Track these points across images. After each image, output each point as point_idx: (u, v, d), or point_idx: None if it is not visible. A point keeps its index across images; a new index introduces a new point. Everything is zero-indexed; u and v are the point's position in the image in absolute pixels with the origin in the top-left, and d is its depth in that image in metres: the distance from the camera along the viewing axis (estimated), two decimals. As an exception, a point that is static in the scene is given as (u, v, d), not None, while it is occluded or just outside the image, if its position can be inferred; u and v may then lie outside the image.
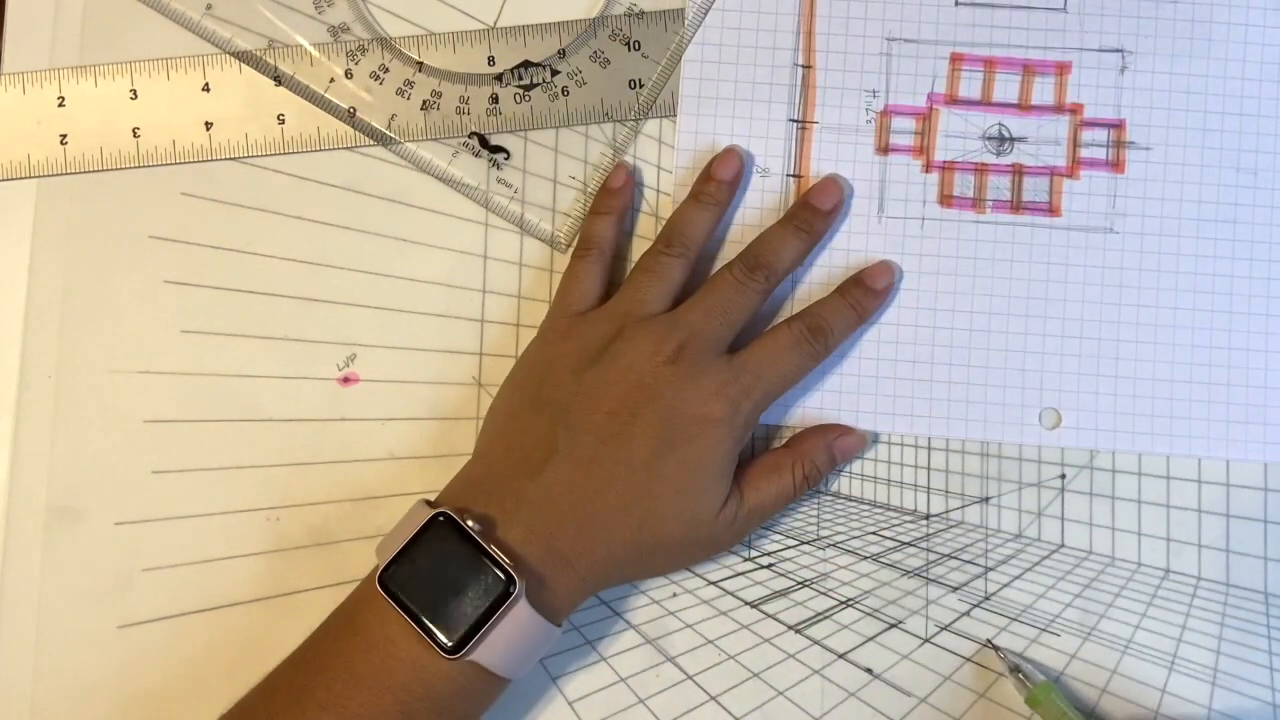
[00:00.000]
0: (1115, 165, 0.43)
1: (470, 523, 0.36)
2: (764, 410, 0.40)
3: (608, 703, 0.42)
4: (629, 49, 0.44)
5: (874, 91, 0.43)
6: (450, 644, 0.35)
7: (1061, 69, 0.43)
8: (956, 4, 0.43)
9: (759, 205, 0.44)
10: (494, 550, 0.36)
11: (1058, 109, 0.43)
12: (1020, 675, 0.40)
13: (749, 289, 0.41)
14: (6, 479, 0.43)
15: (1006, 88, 0.43)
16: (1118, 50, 0.43)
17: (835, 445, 0.42)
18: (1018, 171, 0.42)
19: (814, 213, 0.42)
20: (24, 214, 0.45)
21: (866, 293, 0.42)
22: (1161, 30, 0.43)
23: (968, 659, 0.42)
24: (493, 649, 0.35)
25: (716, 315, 0.40)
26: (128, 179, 0.45)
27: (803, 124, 0.43)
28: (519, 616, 0.36)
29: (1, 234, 0.44)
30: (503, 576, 0.35)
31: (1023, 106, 0.43)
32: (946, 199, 0.43)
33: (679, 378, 0.38)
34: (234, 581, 0.43)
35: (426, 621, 0.35)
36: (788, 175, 0.44)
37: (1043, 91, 0.43)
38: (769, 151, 0.44)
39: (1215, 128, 0.43)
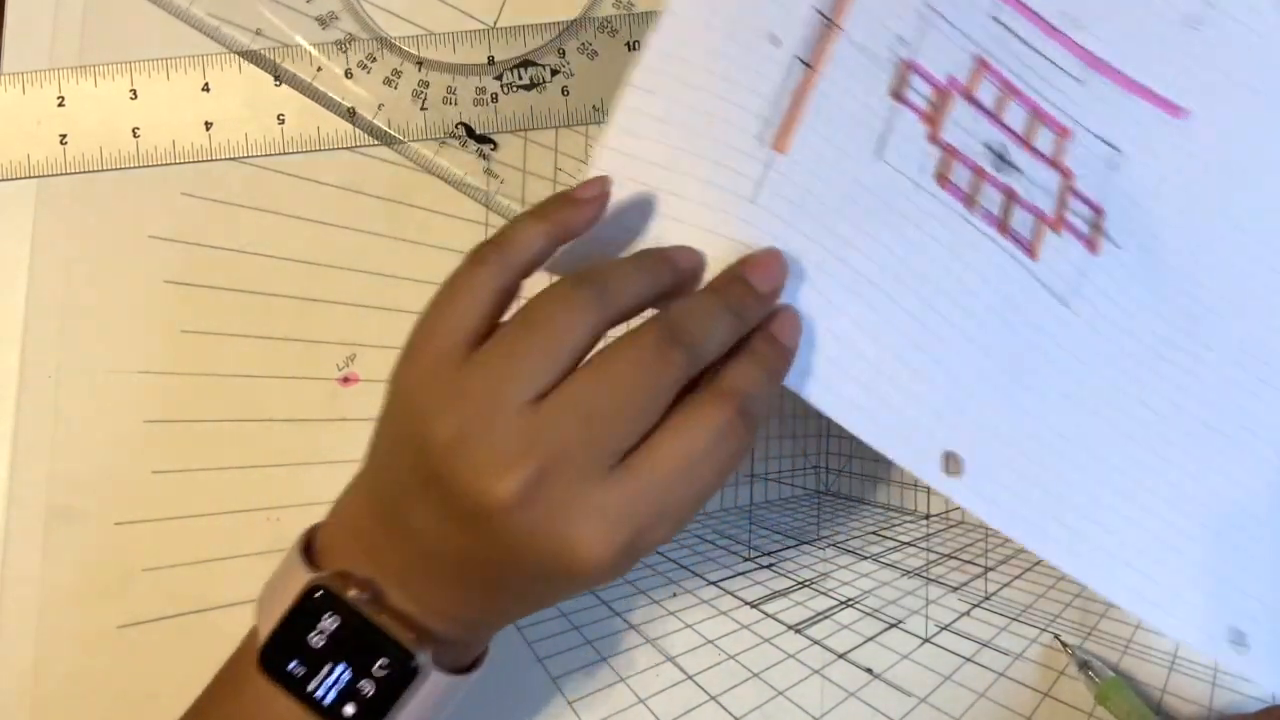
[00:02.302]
0: (1091, 245, 0.40)
1: (354, 592, 0.31)
2: (670, 535, 0.31)
3: (608, 703, 0.42)
4: (628, 49, 0.45)
5: (902, 39, 0.39)
6: None
7: (1062, 132, 0.41)
8: (994, 19, 0.41)
9: (752, 83, 0.36)
10: (386, 625, 0.31)
11: (1053, 163, 0.41)
12: (1089, 672, 0.40)
13: (662, 374, 0.30)
14: (6, 479, 0.43)
15: (1016, 116, 0.40)
16: (1114, 148, 0.42)
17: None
18: (1010, 195, 0.40)
19: (750, 293, 0.32)
20: (24, 214, 0.45)
21: (782, 354, 0.33)
22: (1158, 145, 0.41)
23: (968, 659, 0.42)
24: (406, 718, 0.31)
25: (610, 414, 0.29)
26: (128, 179, 0.45)
27: (830, 21, 0.38)
28: (431, 688, 0.31)
29: (1, 234, 0.45)
30: (398, 653, 0.31)
31: (1026, 142, 0.41)
32: (943, 179, 0.39)
33: (538, 521, 0.29)
34: (234, 581, 0.43)
35: (324, 709, 0.31)
36: (797, 58, 0.37)
37: (1044, 140, 0.40)
38: (788, 17, 0.37)
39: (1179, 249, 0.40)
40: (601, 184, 0.33)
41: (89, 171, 0.45)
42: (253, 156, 0.45)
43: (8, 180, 0.45)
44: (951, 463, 0.35)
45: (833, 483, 0.44)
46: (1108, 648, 0.42)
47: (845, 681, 0.42)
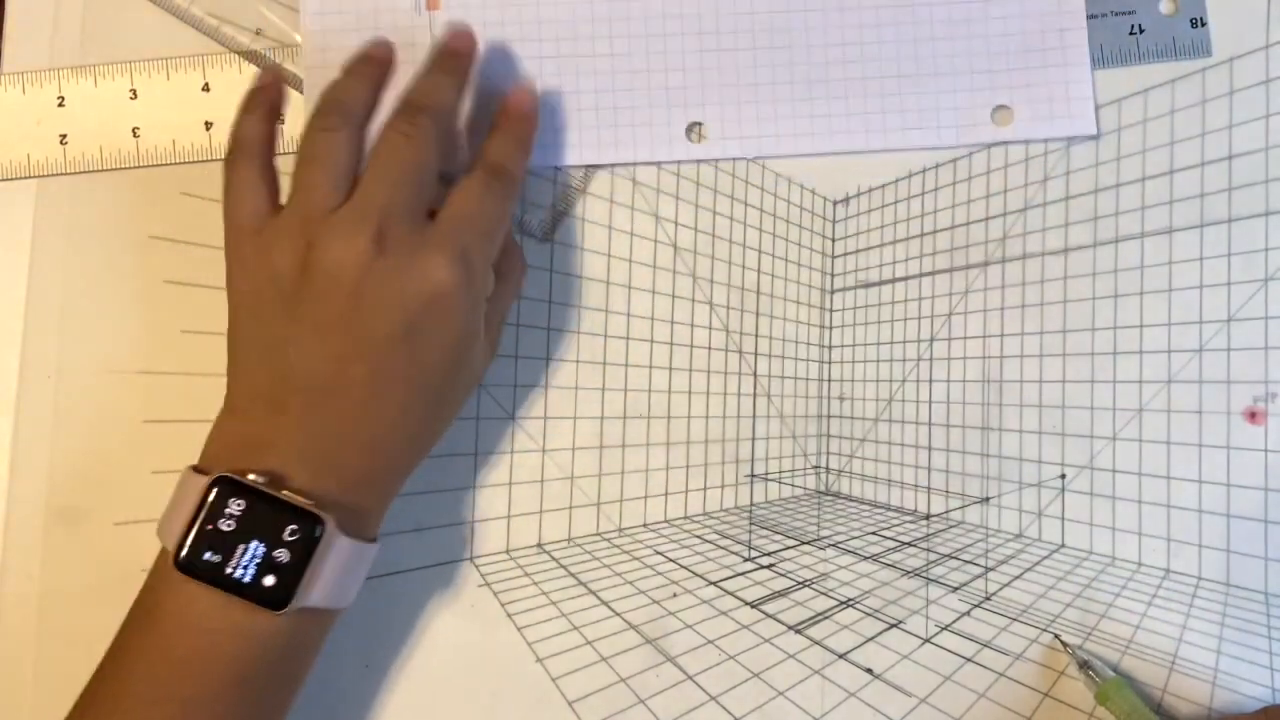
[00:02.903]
0: None
1: (253, 476, 0.35)
2: (492, 258, 0.38)
3: (608, 703, 0.42)
4: None
5: None
6: (275, 599, 0.34)
7: None
8: None
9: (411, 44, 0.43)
10: (289, 496, 0.34)
11: None
12: (1090, 672, 0.40)
13: (420, 139, 0.37)
14: (6, 479, 0.43)
15: None
16: None
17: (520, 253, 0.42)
18: None
19: (455, 55, 0.40)
20: (24, 214, 0.45)
21: (522, 121, 0.41)
22: None
23: (968, 659, 0.42)
24: (319, 589, 0.35)
25: (401, 181, 0.37)
26: (128, 179, 0.45)
27: None
28: (337, 551, 0.35)
29: (1, 234, 0.45)
30: (308, 519, 0.34)
31: None
32: None
33: (396, 266, 0.36)
34: (234, 581, 0.43)
35: (245, 587, 0.34)
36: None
37: None
38: None
39: None
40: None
41: (89, 171, 0.45)
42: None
43: (7, 180, 0.45)
44: (694, 132, 0.44)
45: (833, 483, 0.44)
46: (1108, 648, 0.42)
47: (845, 681, 0.42)
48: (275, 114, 0.39)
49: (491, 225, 0.38)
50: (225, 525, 0.34)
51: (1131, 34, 0.44)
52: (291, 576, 0.34)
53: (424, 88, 0.39)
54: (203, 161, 0.45)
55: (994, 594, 0.42)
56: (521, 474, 0.43)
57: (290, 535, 0.34)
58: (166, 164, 0.45)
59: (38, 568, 0.43)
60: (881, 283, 0.45)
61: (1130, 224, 0.44)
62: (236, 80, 0.45)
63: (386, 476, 0.38)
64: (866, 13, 0.44)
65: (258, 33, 0.45)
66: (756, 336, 0.44)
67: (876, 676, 0.42)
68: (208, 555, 0.34)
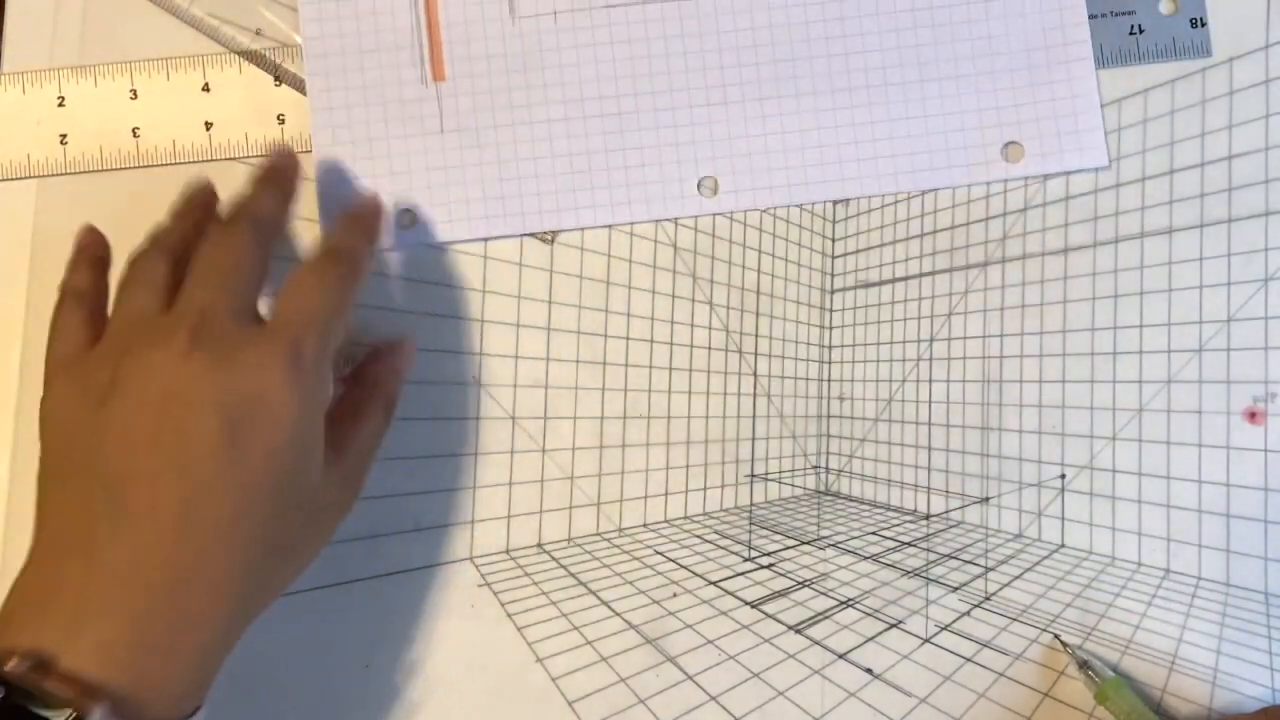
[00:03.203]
0: None
1: (14, 662, 0.29)
2: (330, 354, 0.35)
3: (608, 703, 0.42)
4: None
5: None
6: None
7: None
8: None
9: (396, 39, 0.44)
10: (49, 688, 0.29)
11: None
12: (1089, 672, 0.40)
13: (238, 242, 0.35)
14: (7, 479, 0.43)
15: None
16: None
17: (398, 367, 0.40)
18: None
19: (275, 169, 0.39)
20: (24, 214, 0.45)
21: (366, 210, 0.41)
22: None
23: (968, 659, 0.42)
24: None
25: (219, 284, 0.34)
26: (128, 179, 0.45)
27: None
28: None
29: (1, 234, 0.45)
30: (74, 713, 0.29)
31: None
32: None
33: (211, 365, 0.32)
34: (234, 581, 0.43)
35: None
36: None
37: None
38: None
39: None
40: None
41: (89, 171, 0.45)
42: (253, 156, 0.45)
43: (7, 180, 0.45)
44: (707, 186, 0.44)
45: (833, 483, 0.44)
46: (1108, 648, 0.42)
47: (845, 681, 0.42)
48: (102, 264, 0.38)
49: (329, 315, 0.35)
50: None
51: (1131, 34, 0.44)
52: None
53: (239, 200, 0.38)
54: (203, 161, 0.45)
55: (994, 594, 0.42)
56: (521, 474, 0.43)
57: None
58: (167, 164, 0.45)
59: (38, 568, 0.43)
60: (881, 283, 0.45)
61: (1130, 224, 0.44)
62: (236, 80, 0.45)
63: (198, 631, 0.32)
64: (873, 56, 0.44)
65: (258, 32, 0.45)
66: (756, 336, 0.44)
67: (876, 676, 0.42)
68: None
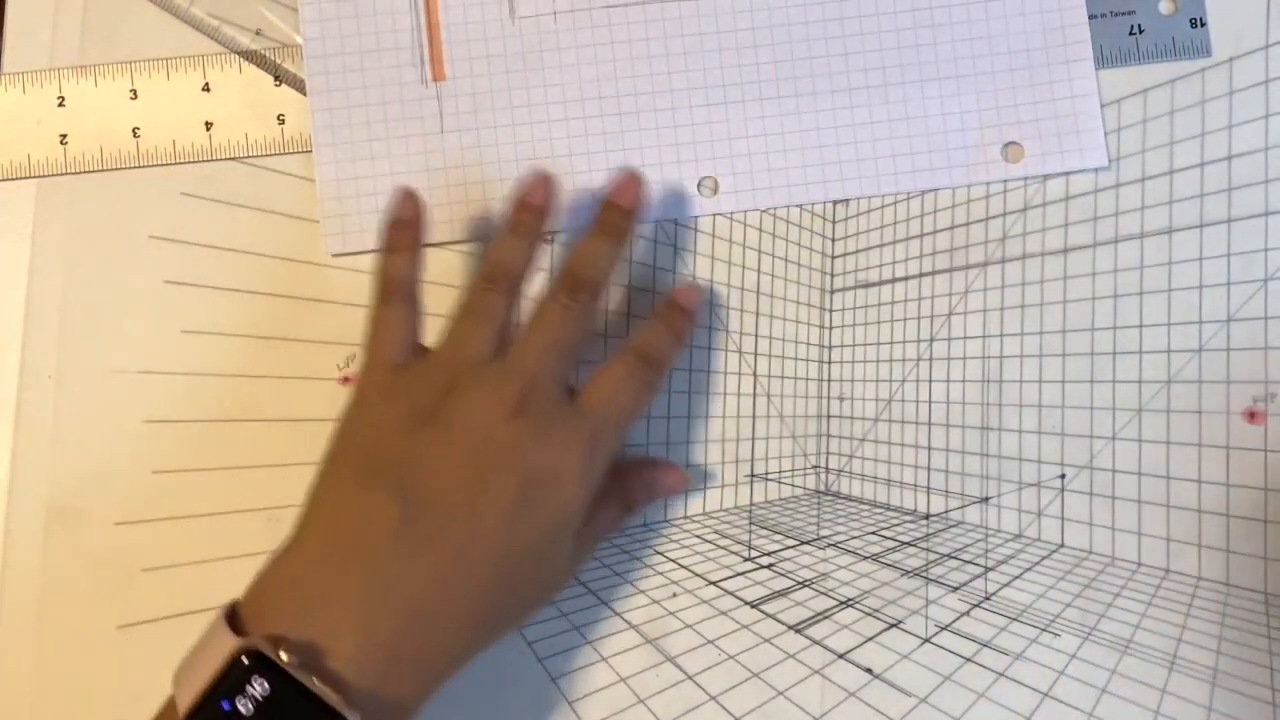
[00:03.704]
0: None
1: (286, 655, 0.31)
2: (618, 450, 0.37)
3: (608, 703, 0.42)
4: None
5: None
6: None
7: None
8: None
9: (395, 39, 0.44)
10: (320, 690, 0.31)
11: None
12: None
13: (578, 313, 0.38)
14: (6, 479, 0.43)
15: None
16: None
17: (657, 485, 0.42)
18: None
19: (619, 212, 0.40)
20: (24, 214, 0.45)
21: (681, 314, 0.41)
22: None
23: (968, 659, 0.42)
24: None
25: (553, 352, 0.37)
26: (128, 179, 0.45)
27: None
28: None
29: (1, 234, 0.45)
30: (333, 716, 0.30)
31: None
32: None
33: (528, 432, 0.35)
34: (234, 581, 0.42)
35: None
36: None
37: None
38: None
39: None
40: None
41: (89, 171, 0.45)
42: (253, 156, 0.45)
43: (7, 180, 0.45)
44: (707, 186, 0.44)
45: (833, 483, 0.44)
46: (1108, 648, 0.42)
47: (845, 681, 0.42)
48: (419, 252, 0.40)
49: (627, 416, 0.38)
50: (243, 706, 0.30)
51: (1131, 34, 0.44)
52: None
53: (588, 257, 0.39)
54: (203, 161, 0.45)
55: (994, 594, 0.42)
56: (521, 474, 0.43)
57: None
58: (167, 164, 0.45)
59: (38, 568, 0.43)
60: (881, 283, 0.45)
61: (1130, 224, 0.44)
62: (236, 80, 0.45)
63: (436, 661, 0.34)
64: (872, 56, 0.44)
65: (258, 33, 0.45)
66: (756, 336, 0.44)
67: (876, 676, 0.42)
68: None
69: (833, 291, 0.45)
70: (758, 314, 0.44)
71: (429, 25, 0.44)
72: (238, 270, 0.44)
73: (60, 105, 0.45)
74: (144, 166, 0.45)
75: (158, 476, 0.43)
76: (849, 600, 0.43)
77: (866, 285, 0.45)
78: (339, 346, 0.44)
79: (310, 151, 0.44)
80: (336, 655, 0.32)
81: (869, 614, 0.42)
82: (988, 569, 0.43)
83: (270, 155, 0.45)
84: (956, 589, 0.42)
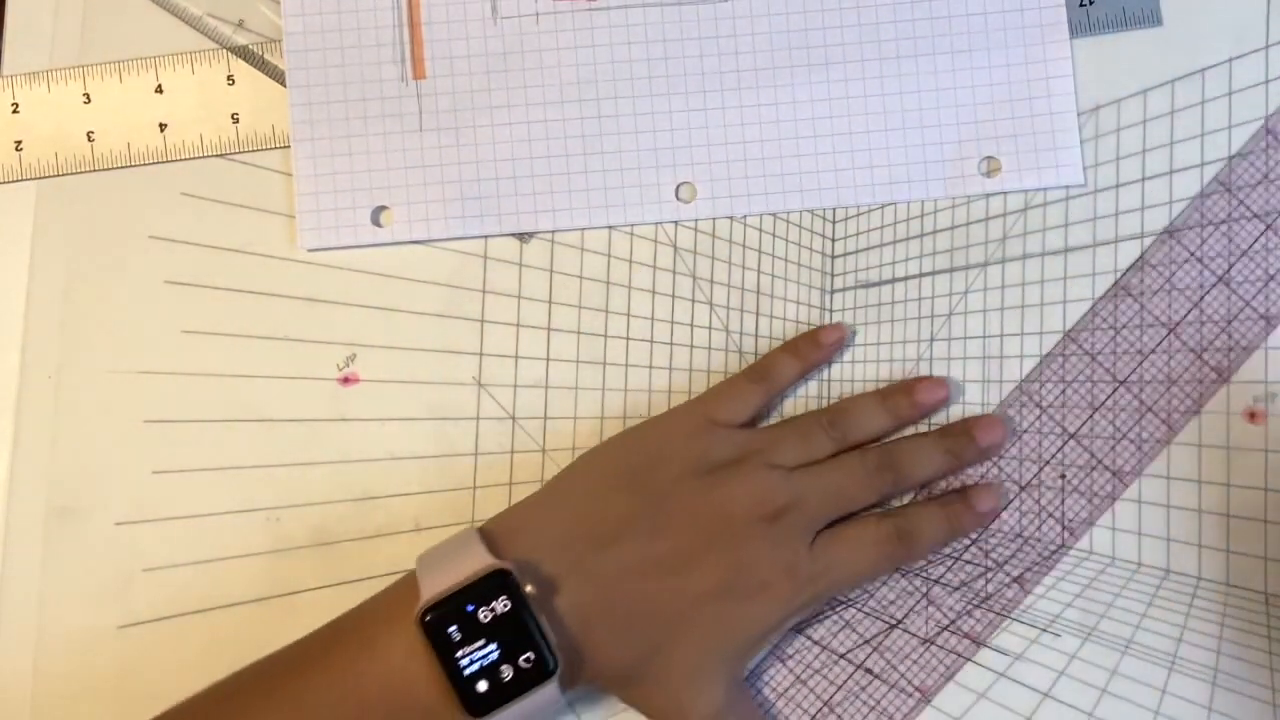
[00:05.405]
0: None
1: (530, 587, 0.35)
2: (826, 600, 0.41)
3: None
4: None
5: None
6: (476, 707, 0.34)
7: None
8: None
9: (376, 38, 0.44)
10: (545, 625, 0.35)
11: None
12: None
13: (872, 489, 0.40)
14: (6, 479, 0.43)
15: None
16: None
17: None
18: None
19: (971, 444, 0.41)
20: (24, 214, 0.45)
21: (968, 512, 0.41)
22: None
23: (968, 659, 0.42)
24: (510, 716, 0.35)
25: (831, 498, 0.39)
26: (128, 179, 0.45)
27: None
28: (545, 695, 0.35)
29: (1, 234, 0.45)
30: (546, 654, 0.35)
31: None
32: None
33: (763, 537, 0.38)
34: (234, 581, 0.43)
35: (461, 678, 0.34)
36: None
37: None
38: None
39: None
40: (839, 330, 0.43)
41: (90, 171, 0.45)
42: (209, 155, 0.45)
43: (7, 181, 0.45)
44: (685, 191, 0.44)
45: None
46: (1108, 648, 0.42)
47: (846, 681, 0.42)
48: (808, 369, 0.43)
49: (854, 580, 0.41)
50: (483, 615, 0.35)
51: (1082, 6, 0.44)
52: (501, 697, 0.34)
53: (918, 457, 0.41)
54: (159, 163, 0.45)
55: (994, 594, 0.42)
56: (521, 474, 0.43)
57: (525, 662, 0.35)
58: (121, 166, 0.44)
59: (38, 568, 0.43)
60: (881, 283, 0.45)
61: (1130, 224, 0.44)
62: (189, 81, 0.45)
63: (604, 660, 0.37)
64: (852, 66, 0.44)
65: (258, 33, 0.45)
66: (756, 336, 0.44)
67: (877, 676, 0.42)
68: (452, 629, 0.35)
69: (833, 291, 0.45)
70: (758, 314, 0.44)
71: (410, 23, 0.44)
72: (238, 270, 0.44)
73: (14, 112, 0.45)
74: (144, 165, 0.45)
75: (158, 476, 0.43)
76: (849, 600, 0.43)
77: (866, 285, 0.45)
78: (339, 346, 0.44)
79: (268, 149, 0.44)
80: (559, 602, 0.36)
81: (869, 614, 0.42)
82: (988, 569, 0.43)
83: (270, 151, 0.45)
84: (956, 589, 0.42)
